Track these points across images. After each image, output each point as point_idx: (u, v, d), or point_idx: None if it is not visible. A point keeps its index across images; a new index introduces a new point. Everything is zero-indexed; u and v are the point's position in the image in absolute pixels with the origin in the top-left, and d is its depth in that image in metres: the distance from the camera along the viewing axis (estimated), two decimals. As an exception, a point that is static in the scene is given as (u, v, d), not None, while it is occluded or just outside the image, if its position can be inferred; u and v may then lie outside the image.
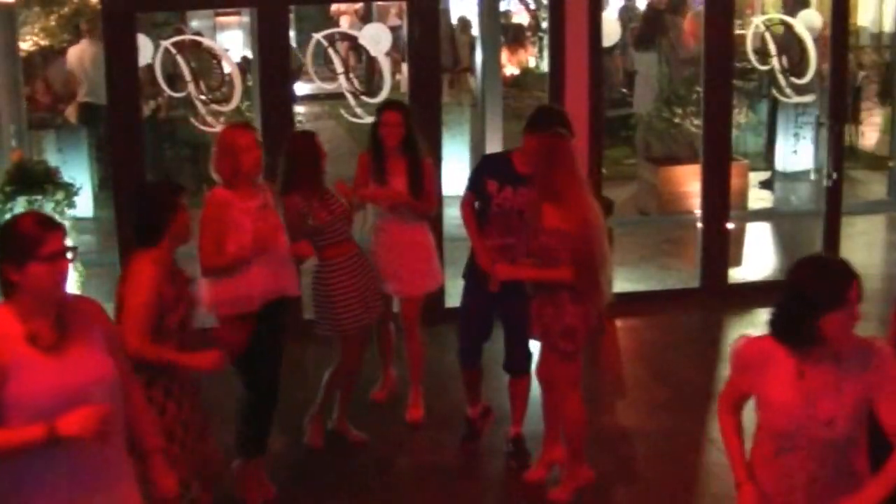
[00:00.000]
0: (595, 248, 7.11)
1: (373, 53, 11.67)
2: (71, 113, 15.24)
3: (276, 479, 7.86)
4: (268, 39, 10.48)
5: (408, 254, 8.49)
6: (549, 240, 7.07)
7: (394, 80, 13.07)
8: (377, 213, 8.65)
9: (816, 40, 12.79)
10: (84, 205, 12.83)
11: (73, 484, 4.51)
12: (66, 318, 4.51)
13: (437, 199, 8.55)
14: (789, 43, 12.82)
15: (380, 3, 23.21)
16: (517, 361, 8.15)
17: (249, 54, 12.70)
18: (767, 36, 12.75)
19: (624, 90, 18.21)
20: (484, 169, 8.13)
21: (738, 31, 12.61)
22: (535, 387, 8.05)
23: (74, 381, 4.44)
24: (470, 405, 8.48)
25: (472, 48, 18.26)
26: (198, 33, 15.16)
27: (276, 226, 7.28)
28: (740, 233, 13.17)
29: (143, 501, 4.84)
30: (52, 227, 4.47)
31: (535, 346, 7.88)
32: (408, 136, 8.39)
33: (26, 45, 15.00)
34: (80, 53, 15.02)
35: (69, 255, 4.51)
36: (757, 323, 10.97)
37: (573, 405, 7.47)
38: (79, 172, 12.85)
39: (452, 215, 9.48)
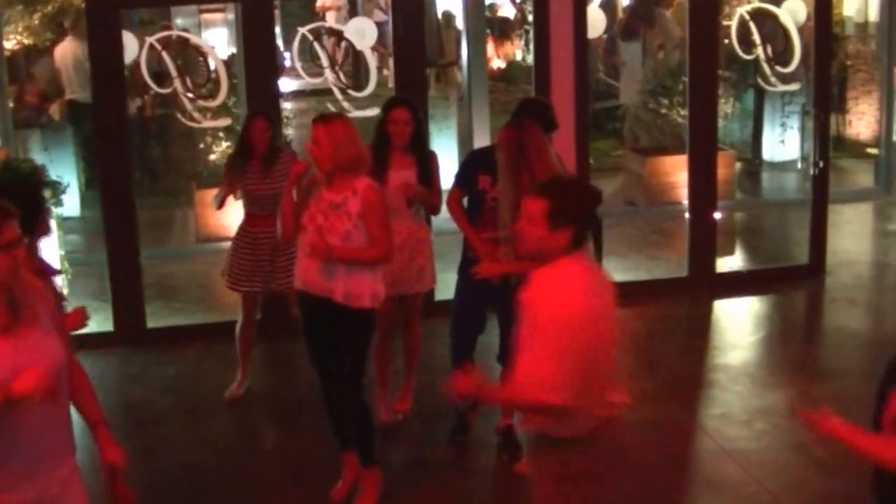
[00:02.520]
0: None
1: (359, 48, 11.65)
2: (56, 111, 15.21)
3: (267, 474, 7.89)
4: (253, 35, 10.46)
5: (414, 252, 8.46)
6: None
7: (380, 74, 13.08)
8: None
9: (801, 30, 12.82)
10: (70, 204, 12.82)
11: (20, 462, 4.56)
12: (17, 299, 4.52)
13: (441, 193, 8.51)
14: (774, 32, 12.85)
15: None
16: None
17: (234, 51, 12.70)
18: (752, 25, 12.76)
19: (611, 81, 18.22)
20: (475, 164, 8.08)
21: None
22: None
23: (28, 361, 4.47)
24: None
25: (458, 42, 18.27)
26: (184, 30, 15.16)
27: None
28: (728, 222, 13.20)
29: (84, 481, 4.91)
30: (7, 216, 4.46)
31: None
32: (416, 132, 8.36)
33: (10, 44, 14.96)
34: (65, 51, 14.99)
35: (24, 241, 4.54)
36: (744, 312, 11.05)
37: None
38: (65, 171, 12.83)
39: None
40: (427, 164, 8.34)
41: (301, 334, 7.35)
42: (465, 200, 8.04)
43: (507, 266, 7.35)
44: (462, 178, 8.10)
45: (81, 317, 6.14)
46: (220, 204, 9.13)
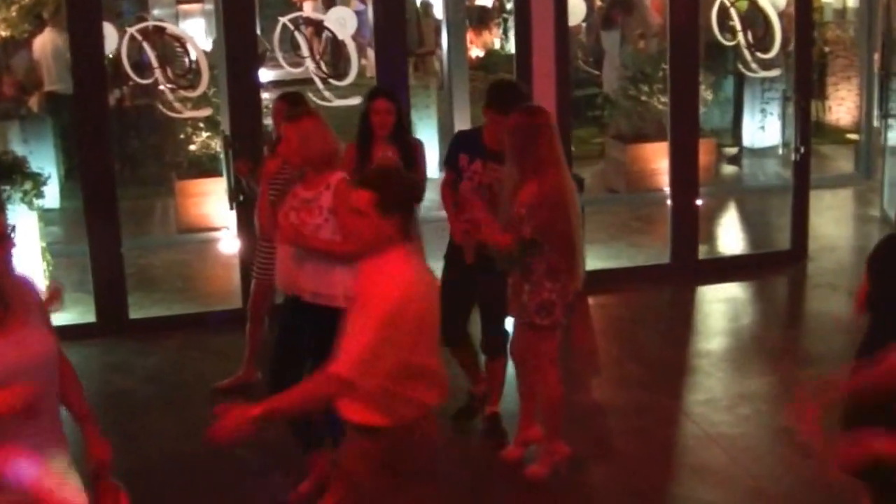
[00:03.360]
0: (573, 223, 7.15)
1: (339, 37, 11.63)
2: (35, 103, 15.17)
3: (249, 463, 7.88)
4: (234, 25, 10.42)
5: None
6: (520, 211, 7.08)
7: (360, 64, 13.05)
8: None
9: (781, 16, 12.84)
10: (50, 195, 12.79)
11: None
12: (7, 294, 4.51)
13: (425, 180, 8.50)
14: (754, 18, 12.86)
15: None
16: (494, 342, 8.17)
17: (212, 42, 12.67)
18: (732, 11, 12.78)
19: (591, 69, 18.24)
20: (457, 144, 8.21)
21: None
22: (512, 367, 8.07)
23: (21, 357, 4.47)
24: (473, 383, 8.47)
25: (437, 31, 18.28)
26: (159, 20, 15.12)
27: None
28: (709, 208, 13.22)
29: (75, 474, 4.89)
30: None
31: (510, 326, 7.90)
32: (398, 122, 8.35)
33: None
34: (44, 43, 14.95)
35: (13, 236, 4.53)
36: (727, 298, 11.07)
37: (552, 381, 7.49)
38: (45, 163, 12.76)
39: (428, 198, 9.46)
40: (410, 153, 8.32)
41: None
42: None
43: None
44: (447, 160, 8.21)
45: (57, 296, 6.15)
46: None
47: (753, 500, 7.30)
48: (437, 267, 8.20)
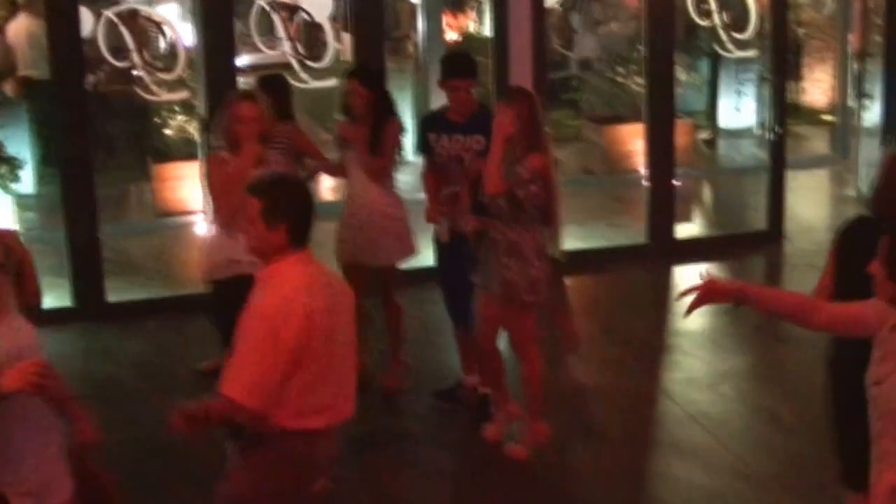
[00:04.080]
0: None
1: (316, 19, 11.61)
2: (10, 88, 15.07)
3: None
4: (210, 8, 10.39)
5: (368, 225, 8.42)
6: (524, 175, 7.13)
7: (337, 47, 13.03)
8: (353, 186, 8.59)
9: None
10: (26, 181, 12.75)
11: (25, 431, 4.62)
12: None
13: (393, 160, 8.48)
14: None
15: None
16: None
17: (188, 26, 12.62)
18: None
19: (565, 52, 18.23)
20: (423, 126, 8.37)
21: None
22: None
23: (11, 344, 4.50)
24: (466, 372, 8.46)
25: (412, 15, 18.23)
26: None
27: None
28: (686, 190, 13.26)
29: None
30: None
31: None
32: (372, 100, 8.31)
33: (-40, 22, 14.83)
34: (19, 28, 14.85)
35: None
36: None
37: (535, 358, 7.53)
38: (20, 149, 12.70)
39: (399, 180, 9.45)
40: (379, 130, 8.29)
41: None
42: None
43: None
44: (419, 145, 8.33)
45: None
46: None
47: (734, 477, 7.33)
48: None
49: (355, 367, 5.34)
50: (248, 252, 5.30)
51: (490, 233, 7.32)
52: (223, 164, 7.14)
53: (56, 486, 4.79)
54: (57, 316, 9.87)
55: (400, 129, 8.53)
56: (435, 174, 8.14)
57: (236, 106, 7.20)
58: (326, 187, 12.38)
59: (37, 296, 5.93)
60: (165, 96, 11.76)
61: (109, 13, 10.93)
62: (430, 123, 8.28)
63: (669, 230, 11.74)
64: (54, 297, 10.34)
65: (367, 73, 8.67)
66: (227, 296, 7.02)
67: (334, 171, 8.95)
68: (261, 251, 5.10)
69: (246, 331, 4.93)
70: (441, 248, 8.24)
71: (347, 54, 12.83)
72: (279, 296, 4.93)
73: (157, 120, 13.57)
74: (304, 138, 8.93)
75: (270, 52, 12.18)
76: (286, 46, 11.26)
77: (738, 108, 16.19)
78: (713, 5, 12.80)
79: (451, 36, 19.78)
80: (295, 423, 5.05)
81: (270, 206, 4.98)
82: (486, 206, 7.29)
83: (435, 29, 14.81)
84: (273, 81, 8.97)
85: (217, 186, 7.21)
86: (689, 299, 4.89)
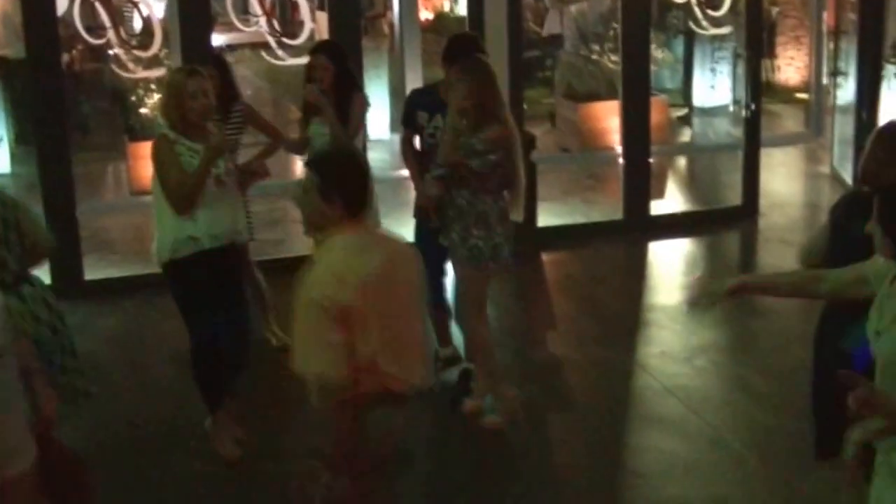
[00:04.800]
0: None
1: (293, -3, 11.62)
2: (-16, 68, 15.05)
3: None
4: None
5: None
6: (497, 158, 7.19)
7: (313, 24, 13.03)
8: None
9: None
10: (2, 160, 12.73)
11: None
12: None
13: (357, 134, 8.48)
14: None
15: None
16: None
17: (163, 3, 12.60)
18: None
19: (538, 30, 18.29)
20: (414, 102, 8.29)
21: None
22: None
23: None
24: (440, 344, 8.48)
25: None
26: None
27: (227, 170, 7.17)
28: (661, 167, 13.32)
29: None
30: None
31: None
32: (337, 75, 8.31)
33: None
34: (-8, 7, 14.83)
35: None
36: (679, 253, 11.18)
37: (476, 325, 7.61)
38: (-6, 128, 12.71)
39: (374, 158, 9.49)
40: (345, 104, 8.28)
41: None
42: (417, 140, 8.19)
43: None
44: (405, 118, 8.28)
45: None
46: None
47: (710, 447, 7.39)
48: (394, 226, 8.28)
49: (421, 335, 5.30)
50: (307, 224, 5.31)
51: (456, 200, 7.36)
52: (172, 143, 7.00)
53: (19, 454, 4.82)
54: (35, 293, 9.90)
55: (365, 104, 8.55)
56: (418, 153, 8.12)
57: (184, 82, 7.04)
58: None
59: (44, 243, 6.02)
60: (141, 73, 11.75)
61: (85, -9, 10.91)
62: (421, 101, 8.17)
63: (645, 206, 11.81)
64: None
65: (333, 47, 8.68)
66: (185, 274, 7.11)
67: (296, 147, 8.88)
68: (318, 224, 5.10)
69: (305, 302, 4.94)
70: (419, 224, 8.23)
71: (323, 33, 12.84)
72: (333, 265, 4.94)
73: (133, 98, 13.57)
74: (259, 116, 8.95)
75: (246, 30, 12.16)
76: (262, 24, 11.23)
77: (713, 86, 16.26)
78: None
79: (426, 15, 19.85)
80: (364, 390, 5.01)
81: (326, 180, 4.98)
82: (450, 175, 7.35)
83: (410, 8, 14.80)
84: (217, 60, 8.97)
85: (168, 167, 7.00)
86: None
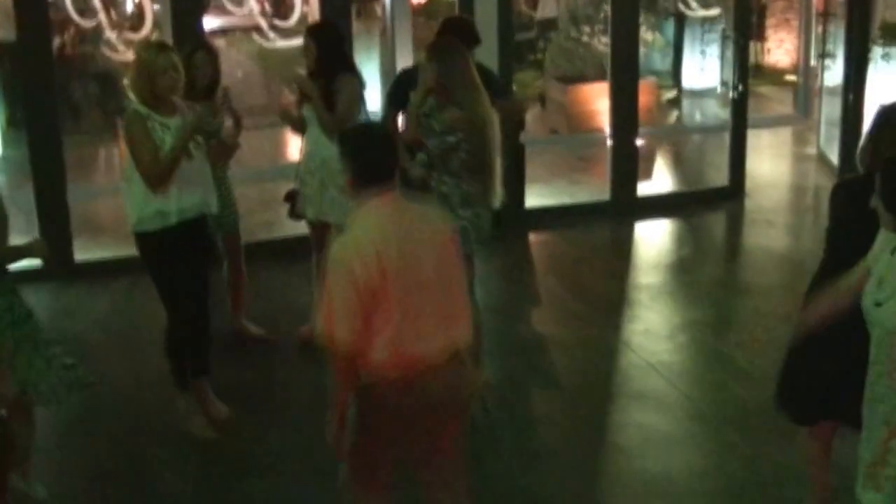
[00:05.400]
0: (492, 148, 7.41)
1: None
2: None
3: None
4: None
5: (339, 182, 8.43)
6: (456, 140, 7.27)
7: (303, 6, 13.08)
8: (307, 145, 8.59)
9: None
10: (-7, 143, 12.83)
11: None
12: None
13: (349, 117, 8.50)
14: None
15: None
16: None
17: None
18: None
19: (530, 12, 18.32)
20: (403, 81, 8.26)
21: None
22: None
23: None
24: None
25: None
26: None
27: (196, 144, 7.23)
28: (650, 148, 13.40)
29: None
30: None
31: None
32: (321, 58, 8.32)
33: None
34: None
35: None
36: (665, 233, 11.27)
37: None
38: (-13, 111, 12.77)
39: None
40: (331, 87, 8.25)
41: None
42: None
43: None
44: (393, 97, 8.31)
45: None
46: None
47: (692, 422, 7.50)
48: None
49: (444, 311, 5.22)
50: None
51: (434, 179, 7.46)
52: (145, 119, 7.05)
53: None
54: (26, 275, 9.97)
55: (359, 84, 8.55)
56: (397, 126, 8.14)
57: (153, 59, 7.09)
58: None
59: None
60: (133, 56, 11.78)
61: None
62: (410, 81, 7.99)
63: (632, 187, 11.88)
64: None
65: (318, 29, 8.71)
66: (154, 247, 7.21)
67: (295, 127, 8.91)
68: (350, 196, 5.28)
69: (329, 273, 5.04)
70: None
71: (316, 16, 12.88)
72: (353, 237, 5.04)
73: (124, 81, 13.60)
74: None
75: (238, 12, 12.21)
76: (253, 6, 11.28)
77: (703, 69, 16.34)
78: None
79: (416, -2, 19.84)
80: (382, 368, 5.07)
81: (342, 152, 5.18)
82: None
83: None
84: (208, 46, 9.03)
85: (142, 144, 7.05)
86: None
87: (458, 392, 5.32)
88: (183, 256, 7.24)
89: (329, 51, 8.35)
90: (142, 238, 7.29)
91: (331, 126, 8.10)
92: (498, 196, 7.56)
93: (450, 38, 7.80)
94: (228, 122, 8.38)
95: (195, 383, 7.64)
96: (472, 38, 8.23)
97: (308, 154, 8.52)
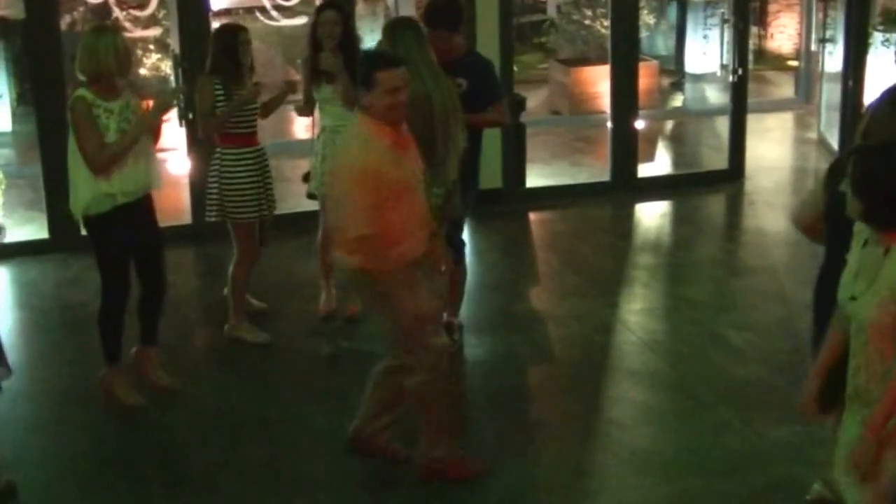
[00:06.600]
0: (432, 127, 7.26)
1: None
2: (-15, 28, 15.17)
3: (199, 368, 8.15)
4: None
5: None
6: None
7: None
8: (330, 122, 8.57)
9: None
10: (3, 119, 12.90)
11: None
12: None
13: None
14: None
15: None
16: (452, 249, 8.26)
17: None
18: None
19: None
20: None
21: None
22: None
23: None
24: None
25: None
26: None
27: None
28: (651, 130, 13.49)
29: None
30: None
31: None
32: (345, 33, 8.43)
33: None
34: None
35: None
36: (665, 214, 11.36)
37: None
38: (-3, 87, 12.87)
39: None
40: (353, 61, 8.13)
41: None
42: None
43: None
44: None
45: None
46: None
47: (685, 399, 7.56)
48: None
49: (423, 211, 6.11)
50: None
51: None
52: (90, 106, 7.09)
53: None
54: (33, 247, 10.18)
55: None
56: None
57: (97, 41, 7.14)
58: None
59: None
60: (139, 33, 11.90)
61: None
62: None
63: (632, 169, 11.99)
64: (31, 230, 10.60)
65: (341, 3, 8.77)
66: (103, 229, 7.29)
67: (302, 109, 8.94)
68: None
69: (337, 170, 5.87)
70: None
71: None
72: (371, 146, 5.75)
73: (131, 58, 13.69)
74: None
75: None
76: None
77: (705, 52, 16.44)
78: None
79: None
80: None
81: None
82: None
83: (406, -28, 14.91)
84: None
85: (86, 131, 7.11)
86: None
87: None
88: (129, 234, 7.35)
89: (349, 26, 8.55)
90: (89, 220, 7.35)
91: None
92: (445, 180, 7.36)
93: (406, 17, 7.85)
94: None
95: (143, 349, 7.79)
96: (456, 18, 8.12)
97: (331, 130, 8.45)
